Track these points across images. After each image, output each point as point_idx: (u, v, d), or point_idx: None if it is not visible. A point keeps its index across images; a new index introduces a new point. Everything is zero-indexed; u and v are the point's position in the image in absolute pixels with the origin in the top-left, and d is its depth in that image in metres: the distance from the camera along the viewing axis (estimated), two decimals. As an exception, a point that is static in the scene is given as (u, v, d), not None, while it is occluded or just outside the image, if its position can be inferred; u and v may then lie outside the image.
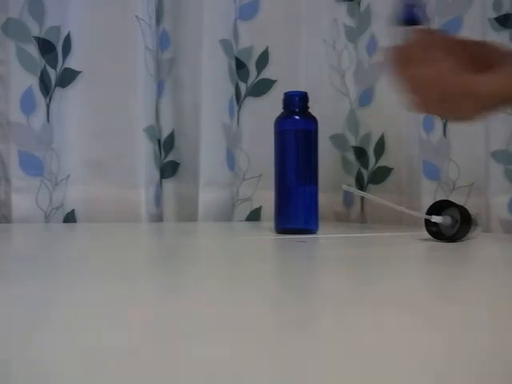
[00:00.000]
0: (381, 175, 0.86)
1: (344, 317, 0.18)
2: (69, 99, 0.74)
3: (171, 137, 0.83)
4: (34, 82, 0.72)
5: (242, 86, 0.85)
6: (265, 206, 0.84)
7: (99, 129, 0.75)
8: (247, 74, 0.85)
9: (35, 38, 0.72)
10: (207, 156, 0.80)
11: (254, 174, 0.84)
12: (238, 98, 0.85)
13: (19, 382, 0.12)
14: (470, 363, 0.13)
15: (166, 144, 0.82)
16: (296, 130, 0.52)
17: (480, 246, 0.48)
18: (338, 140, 0.90)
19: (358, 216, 0.90)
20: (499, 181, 0.80)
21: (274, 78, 0.84)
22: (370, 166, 0.89)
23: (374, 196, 0.55)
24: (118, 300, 0.21)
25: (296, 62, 0.85)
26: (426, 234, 0.48)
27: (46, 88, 0.73)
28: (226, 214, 0.83)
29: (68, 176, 0.74)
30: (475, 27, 0.84)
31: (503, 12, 0.83)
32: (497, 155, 0.82)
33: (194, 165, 0.81)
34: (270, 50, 0.85)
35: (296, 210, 0.52)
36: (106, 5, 0.75)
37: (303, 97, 0.53)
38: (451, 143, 0.86)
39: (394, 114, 0.87)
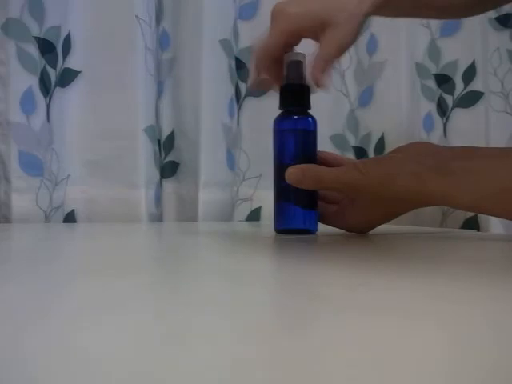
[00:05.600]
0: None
1: (344, 318, 0.18)
2: (69, 99, 0.74)
3: (171, 137, 0.83)
4: (33, 82, 0.72)
5: (242, 86, 0.85)
6: (265, 206, 0.84)
7: (99, 129, 0.75)
8: (247, 74, 0.85)
9: (35, 37, 0.72)
10: (207, 156, 0.80)
11: (254, 174, 0.85)
12: (238, 98, 0.85)
13: (17, 382, 0.12)
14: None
15: (165, 144, 0.82)
16: (295, 129, 0.52)
17: (478, 246, 0.48)
18: (337, 140, 0.90)
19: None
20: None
21: (273, 78, 0.84)
22: (370, 166, 0.89)
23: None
24: (118, 300, 0.21)
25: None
26: (425, 234, 0.48)
27: (46, 88, 0.73)
28: (226, 214, 0.83)
29: (68, 176, 0.75)
30: (475, 27, 0.85)
31: (503, 12, 0.84)
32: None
33: (194, 165, 0.81)
34: (269, 50, 0.85)
35: (295, 210, 0.52)
36: (106, 5, 0.75)
37: (303, 97, 0.53)
38: (451, 143, 0.86)
39: (393, 114, 0.87)
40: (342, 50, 0.47)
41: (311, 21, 0.47)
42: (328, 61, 0.47)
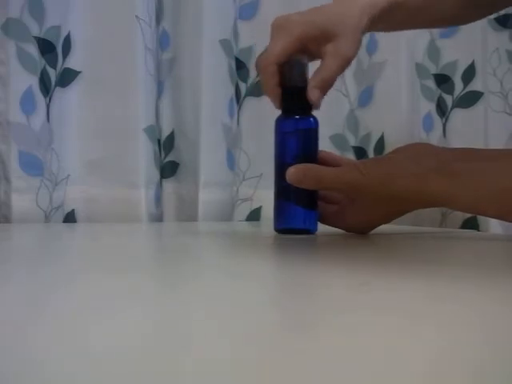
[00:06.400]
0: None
1: (344, 319, 0.18)
2: (69, 99, 0.74)
3: (171, 137, 0.83)
4: (34, 82, 0.72)
5: (242, 86, 0.85)
6: (265, 206, 0.84)
7: (99, 129, 0.75)
8: (247, 74, 0.85)
9: (35, 37, 0.72)
10: (207, 156, 0.80)
11: (254, 174, 0.85)
12: (238, 98, 0.85)
13: (16, 382, 0.12)
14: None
15: (165, 144, 0.82)
16: (297, 129, 0.52)
17: (478, 246, 0.48)
18: (337, 140, 0.90)
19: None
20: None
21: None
22: (369, 166, 0.89)
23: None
24: (118, 300, 0.21)
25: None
26: (425, 234, 0.48)
27: (46, 88, 0.73)
28: (225, 214, 0.83)
29: (68, 176, 0.74)
30: (475, 27, 0.85)
31: (503, 12, 0.83)
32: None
33: (194, 165, 0.81)
34: (269, 50, 0.84)
35: (295, 210, 0.52)
36: (106, 5, 0.75)
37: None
38: (450, 143, 0.86)
39: (393, 114, 0.87)
40: (346, 63, 0.47)
41: (315, 29, 0.47)
42: (329, 81, 0.48)
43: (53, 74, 0.73)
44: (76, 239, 0.55)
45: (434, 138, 0.87)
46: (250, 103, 0.85)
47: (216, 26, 0.81)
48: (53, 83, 0.73)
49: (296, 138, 0.52)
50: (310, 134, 0.52)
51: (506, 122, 0.84)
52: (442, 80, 0.88)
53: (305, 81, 0.50)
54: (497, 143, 0.82)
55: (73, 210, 0.75)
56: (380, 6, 0.48)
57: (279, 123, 0.52)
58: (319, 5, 0.90)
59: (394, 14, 0.50)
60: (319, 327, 0.17)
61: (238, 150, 0.85)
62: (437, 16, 0.55)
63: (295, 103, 0.51)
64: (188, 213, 0.81)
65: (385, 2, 0.49)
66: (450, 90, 0.88)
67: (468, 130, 0.85)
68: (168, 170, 0.83)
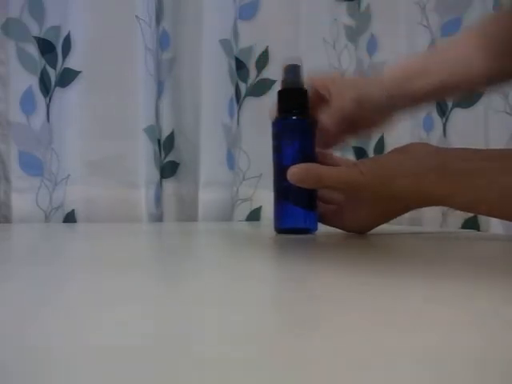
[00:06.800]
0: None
1: (344, 319, 0.18)
2: (69, 99, 0.74)
3: (171, 137, 0.83)
4: (33, 82, 0.72)
5: (242, 86, 0.85)
6: (265, 206, 0.84)
7: (99, 129, 0.75)
8: (247, 74, 0.85)
9: (35, 37, 0.72)
10: (207, 156, 0.80)
11: (254, 174, 0.85)
12: (238, 98, 0.85)
13: (16, 381, 0.12)
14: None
15: (165, 144, 0.82)
16: (294, 130, 0.52)
17: (478, 246, 0.48)
18: (337, 140, 0.90)
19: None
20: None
21: (274, 78, 0.84)
22: (369, 166, 0.89)
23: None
24: (118, 300, 0.21)
25: (296, 62, 0.85)
26: (425, 234, 0.48)
27: (45, 88, 0.73)
28: (225, 214, 0.83)
29: (68, 176, 0.74)
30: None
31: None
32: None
33: (194, 165, 0.81)
34: (269, 50, 0.85)
35: (295, 209, 0.52)
36: (106, 5, 0.75)
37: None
38: (451, 143, 0.86)
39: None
40: (338, 122, 0.50)
41: (325, 77, 0.52)
42: (327, 143, 0.52)
43: (53, 74, 0.73)
44: (76, 239, 0.55)
45: (434, 138, 0.87)
46: (250, 103, 0.85)
47: (216, 25, 0.81)
48: (53, 83, 0.73)
49: (293, 139, 0.52)
50: (307, 134, 0.52)
51: (506, 122, 0.84)
52: (442, 80, 0.88)
53: (300, 82, 0.51)
54: (497, 143, 0.82)
55: (73, 210, 0.75)
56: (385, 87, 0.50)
57: (277, 124, 0.52)
58: (319, 5, 0.90)
59: (407, 87, 0.51)
60: (319, 327, 0.17)
61: (238, 150, 0.85)
62: (465, 81, 0.52)
63: (291, 105, 0.51)
64: (188, 213, 0.81)
65: (391, 80, 0.51)
66: (450, 90, 0.87)
67: (468, 130, 0.85)
68: (168, 170, 0.83)
